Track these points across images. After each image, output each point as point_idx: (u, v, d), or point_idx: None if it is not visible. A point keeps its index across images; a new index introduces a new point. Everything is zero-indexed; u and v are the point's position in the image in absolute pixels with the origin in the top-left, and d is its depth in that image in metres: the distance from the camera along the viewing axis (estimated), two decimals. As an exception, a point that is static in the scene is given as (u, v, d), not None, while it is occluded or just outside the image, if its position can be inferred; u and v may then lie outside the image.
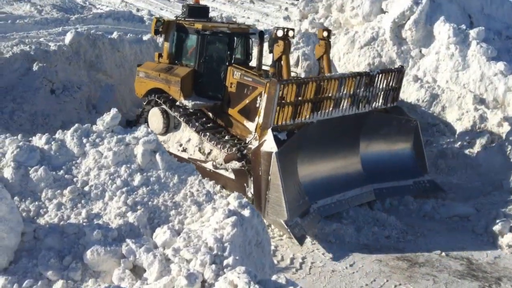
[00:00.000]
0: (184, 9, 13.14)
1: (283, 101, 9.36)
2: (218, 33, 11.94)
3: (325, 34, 11.61)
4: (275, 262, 8.29)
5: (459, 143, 12.49)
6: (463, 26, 14.29)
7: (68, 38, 14.81)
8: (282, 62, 10.77)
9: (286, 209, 8.78)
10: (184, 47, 12.49)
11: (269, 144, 8.99)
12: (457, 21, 14.76)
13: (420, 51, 14.76)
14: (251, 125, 10.84)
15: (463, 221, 10.52)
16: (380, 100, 11.03)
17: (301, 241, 8.89)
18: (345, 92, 10.20)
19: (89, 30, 17.00)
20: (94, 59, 15.01)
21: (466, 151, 12.41)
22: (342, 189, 10.18)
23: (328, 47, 11.65)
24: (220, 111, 11.74)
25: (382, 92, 10.98)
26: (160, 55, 12.83)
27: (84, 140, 6.04)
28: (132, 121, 13.15)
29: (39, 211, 5.37)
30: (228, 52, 11.93)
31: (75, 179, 5.72)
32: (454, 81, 13.68)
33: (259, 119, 10.13)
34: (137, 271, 4.86)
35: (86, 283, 4.81)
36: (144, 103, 12.83)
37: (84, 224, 5.23)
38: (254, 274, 4.19)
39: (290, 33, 10.79)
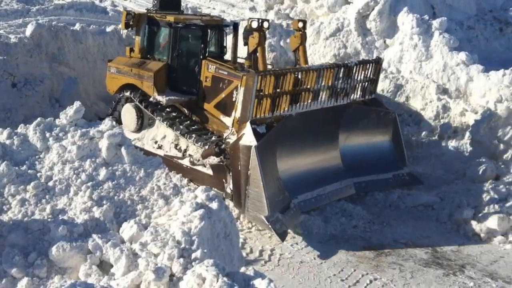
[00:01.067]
0: (155, 1, 12.65)
1: (261, 93, 9.06)
2: (191, 26, 11.59)
3: (300, 25, 11.36)
4: (244, 254, 8.30)
5: (423, 132, 12.65)
6: (426, 17, 14.46)
7: (29, 30, 14.46)
8: (257, 54, 10.56)
9: (267, 205, 8.56)
10: (156, 40, 12.10)
11: (248, 138, 8.74)
12: (420, 11, 14.94)
13: (384, 42, 14.90)
14: (227, 120, 10.57)
15: (428, 210, 10.71)
16: (358, 92, 10.86)
17: (282, 237, 8.73)
18: (323, 83, 9.98)
19: (51, 21, 16.60)
20: (56, 51, 14.71)
21: (430, 141, 12.60)
22: (322, 183, 10.02)
23: (303, 38, 11.44)
24: (195, 106, 11.41)
25: (360, 84, 10.80)
26: (131, 50, 12.39)
27: (47, 135, 5.94)
28: (104, 118, 12.84)
29: (2, 207, 5.28)
30: (202, 45, 11.53)
31: (38, 174, 5.62)
32: (417, 71, 13.84)
33: (236, 113, 9.92)
34: (104, 267, 4.82)
35: (52, 280, 4.74)
36: (116, 100, 12.43)
37: (48, 220, 5.15)
38: (222, 267, 4.19)
39: (265, 24, 10.56)
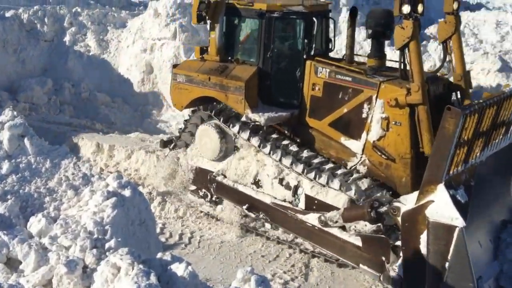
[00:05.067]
0: None
1: (461, 140, 6.19)
2: (291, 15, 8.81)
3: (455, 6, 8.20)
4: (164, 239, 8.25)
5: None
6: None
7: None
8: (410, 52, 7.36)
9: None
10: (239, 37, 9.41)
11: (446, 211, 5.94)
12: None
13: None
14: (354, 144, 8.01)
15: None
16: None
17: None
18: None
19: None
20: (-49, 40, 13.87)
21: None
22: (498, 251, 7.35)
23: (458, 24, 8.29)
24: (296, 124, 8.74)
25: None
26: (203, 50, 9.60)
27: None
28: (169, 141, 10.20)
29: None
30: (306, 41, 8.68)
31: None
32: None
33: (369, 136, 7.72)
34: (12, 264, 4.66)
35: (-44, 283, 4.49)
36: (189, 118, 9.75)
37: None
38: (138, 254, 4.12)
39: (420, 8, 7.37)
